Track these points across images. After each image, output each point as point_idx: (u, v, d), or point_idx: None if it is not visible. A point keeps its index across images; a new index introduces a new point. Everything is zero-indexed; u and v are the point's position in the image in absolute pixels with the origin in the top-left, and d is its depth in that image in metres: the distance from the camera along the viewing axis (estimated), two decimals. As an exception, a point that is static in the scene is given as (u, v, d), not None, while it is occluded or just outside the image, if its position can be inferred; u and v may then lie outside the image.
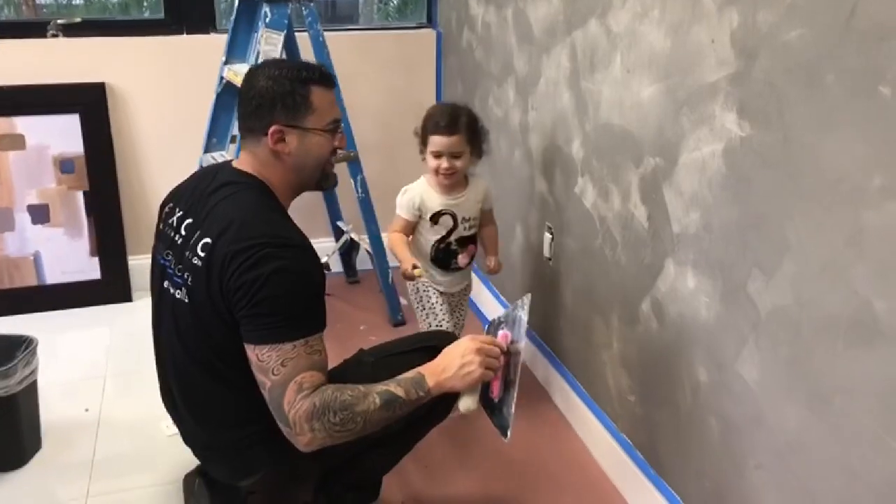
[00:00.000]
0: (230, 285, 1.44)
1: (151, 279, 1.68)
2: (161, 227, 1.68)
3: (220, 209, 1.53)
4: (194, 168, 2.70)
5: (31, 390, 2.07)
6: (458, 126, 2.04)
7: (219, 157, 2.71)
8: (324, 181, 1.67)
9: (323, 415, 1.40)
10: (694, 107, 1.55)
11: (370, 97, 3.05)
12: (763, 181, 1.39)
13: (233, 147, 2.67)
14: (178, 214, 1.62)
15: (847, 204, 1.21)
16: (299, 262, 1.47)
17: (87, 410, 2.30)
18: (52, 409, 2.21)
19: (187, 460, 1.77)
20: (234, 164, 1.63)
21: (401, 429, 1.60)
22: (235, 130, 2.03)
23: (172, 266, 1.57)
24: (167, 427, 2.20)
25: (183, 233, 1.58)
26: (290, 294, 1.43)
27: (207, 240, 1.49)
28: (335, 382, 1.46)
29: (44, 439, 2.14)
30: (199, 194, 1.60)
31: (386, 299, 2.80)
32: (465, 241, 2.18)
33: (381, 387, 1.47)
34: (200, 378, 1.58)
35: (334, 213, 3.07)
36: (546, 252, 2.29)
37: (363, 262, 3.07)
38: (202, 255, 1.49)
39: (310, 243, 1.53)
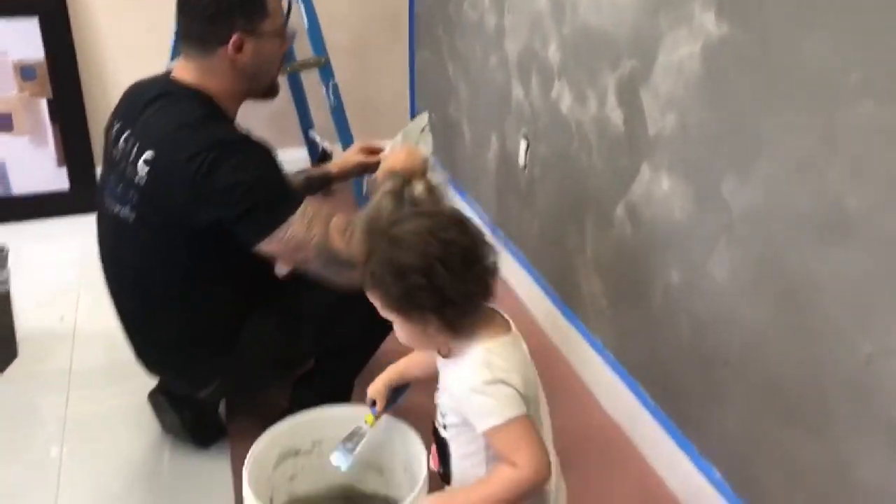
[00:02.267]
0: (192, 199, 1.40)
1: (97, 201, 1.63)
2: (106, 147, 1.61)
3: (158, 121, 1.47)
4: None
5: (4, 299, 2.06)
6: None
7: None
8: (271, 90, 1.62)
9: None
10: (672, 6, 1.53)
11: (340, 2, 2.97)
12: (741, 81, 1.39)
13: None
14: (117, 127, 1.56)
15: (823, 102, 1.21)
16: (251, 148, 1.45)
17: (62, 319, 2.30)
18: (27, 318, 2.21)
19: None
20: (173, 74, 1.55)
21: (363, 328, 1.56)
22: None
23: (115, 184, 1.52)
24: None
25: (122, 146, 1.51)
26: (263, 175, 1.43)
27: (149, 154, 1.43)
28: None
29: (20, 348, 2.14)
30: (135, 107, 1.53)
31: (359, 209, 2.79)
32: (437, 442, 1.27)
33: None
34: (147, 298, 1.57)
35: (306, 124, 3.02)
36: (521, 160, 2.28)
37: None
38: (146, 169, 1.44)
39: (245, 135, 1.48)
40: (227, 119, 1.54)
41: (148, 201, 1.45)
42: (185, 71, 1.53)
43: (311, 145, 3.03)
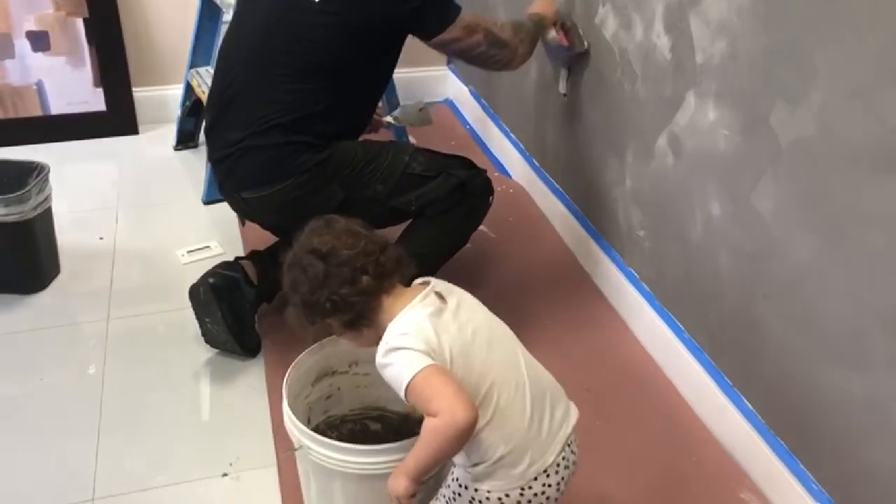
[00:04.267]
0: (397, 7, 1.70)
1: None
2: None
3: None
4: (197, -3, 2.61)
5: (47, 216, 2.09)
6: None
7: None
8: None
9: (517, 30, 1.88)
10: (729, -75, 1.47)
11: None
12: (795, 4, 1.33)
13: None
14: None
15: (885, 25, 1.16)
16: None
17: (101, 239, 2.33)
18: (67, 237, 2.24)
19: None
20: None
21: (431, 244, 1.81)
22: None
23: None
24: (182, 255, 2.25)
25: None
26: None
27: None
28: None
29: (61, 265, 2.19)
30: None
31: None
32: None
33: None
34: (293, 75, 1.70)
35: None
36: (562, 87, 2.24)
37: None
38: None
39: None
40: None
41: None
42: None
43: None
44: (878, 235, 1.23)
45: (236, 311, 1.82)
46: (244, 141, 1.73)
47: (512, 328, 1.21)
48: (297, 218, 1.80)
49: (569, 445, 1.15)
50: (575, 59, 2.11)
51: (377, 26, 1.72)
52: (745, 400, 1.61)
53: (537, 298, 2.10)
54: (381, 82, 1.90)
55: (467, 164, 1.91)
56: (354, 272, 1.14)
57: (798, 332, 1.44)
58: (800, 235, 1.41)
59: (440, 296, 1.15)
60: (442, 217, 1.82)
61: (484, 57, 1.85)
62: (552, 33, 2.02)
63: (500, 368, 1.12)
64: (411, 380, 1.04)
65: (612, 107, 1.99)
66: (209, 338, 1.85)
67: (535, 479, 1.11)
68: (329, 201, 1.74)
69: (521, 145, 2.61)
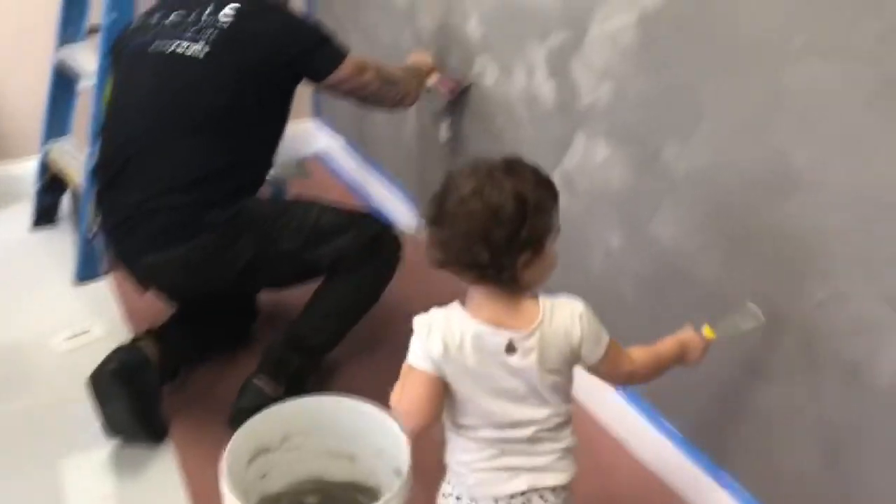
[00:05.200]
0: (282, 32, 1.73)
1: (116, 51, 1.85)
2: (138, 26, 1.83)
3: None
4: (47, 67, 2.45)
5: None
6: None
7: (78, 50, 2.45)
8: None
9: (399, 67, 1.96)
10: (604, -23, 1.57)
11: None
12: (679, 49, 1.44)
13: (92, 37, 2.40)
14: (159, 14, 1.78)
15: (766, 65, 1.28)
16: (298, 14, 1.88)
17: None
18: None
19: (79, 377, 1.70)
20: None
21: (343, 302, 1.80)
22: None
23: (173, 30, 1.72)
24: (60, 343, 2.08)
25: (176, 16, 1.75)
26: (318, 26, 1.82)
27: (234, 5, 1.71)
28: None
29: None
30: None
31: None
32: None
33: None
34: (189, 130, 1.67)
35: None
36: (443, 133, 2.28)
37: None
38: (232, 14, 1.71)
39: None
40: None
41: (229, 38, 1.69)
42: None
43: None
44: (777, 255, 1.34)
45: (141, 396, 1.70)
46: (147, 202, 1.66)
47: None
48: (204, 280, 1.75)
49: None
50: (459, 98, 2.14)
51: (267, 73, 1.72)
52: (665, 420, 1.69)
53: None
54: (279, 132, 1.88)
55: (377, 218, 1.91)
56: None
57: (712, 348, 1.53)
58: (703, 259, 1.50)
59: (510, 347, 1.08)
60: (355, 273, 1.79)
61: (378, 95, 1.89)
62: (432, 80, 2.08)
63: (491, 408, 1.11)
64: (407, 360, 1.12)
65: (498, 150, 2.04)
66: (111, 427, 1.72)
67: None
68: (238, 259, 1.69)
69: (407, 193, 2.63)
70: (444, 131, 2.28)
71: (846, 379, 1.27)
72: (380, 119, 2.71)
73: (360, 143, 2.93)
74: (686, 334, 1.26)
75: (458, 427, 1.15)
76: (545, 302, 1.11)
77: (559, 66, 1.75)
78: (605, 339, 1.13)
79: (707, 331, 1.28)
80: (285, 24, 1.77)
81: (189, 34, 1.71)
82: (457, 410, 1.13)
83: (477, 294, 1.10)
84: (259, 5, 1.78)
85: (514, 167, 1.06)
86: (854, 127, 1.17)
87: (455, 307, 1.12)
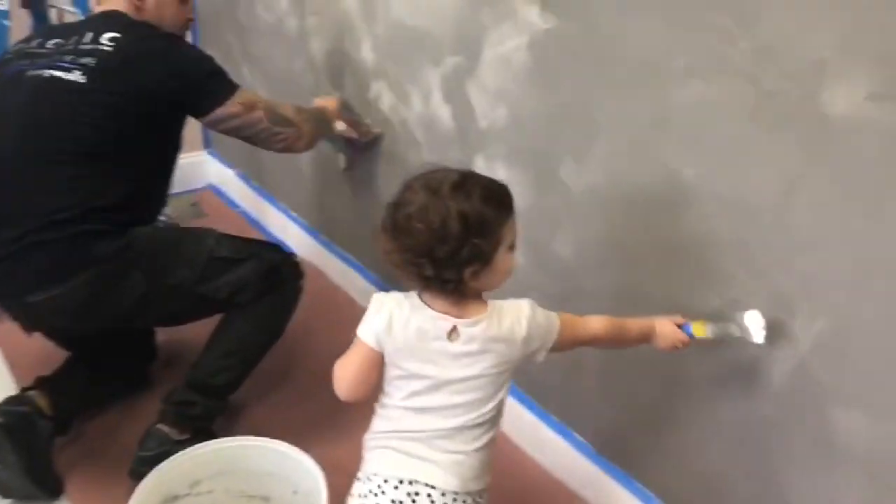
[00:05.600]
0: (165, 63, 1.64)
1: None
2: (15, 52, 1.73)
3: (111, 20, 1.69)
4: None
5: None
6: None
7: None
8: (181, 32, 1.84)
9: (299, 109, 1.85)
10: (493, 3, 1.60)
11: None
12: (570, 71, 1.48)
13: None
14: (37, 42, 1.70)
15: (653, 85, 1.33)
16: (188, 44, 1.82)
17: None
18: None
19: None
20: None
21: (241, 341, 1.74)
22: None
23: (47, 57, 1.63)
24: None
25: (54, 43, 1.67)
26: (208, 59, 1.73)
27: (111, 34, 1.63)
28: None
29: None
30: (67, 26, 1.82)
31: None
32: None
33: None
34: (71, 161, 1.57)
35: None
36: (341, 163, 2.27)
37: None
38: (111, 43, 1.62)
39: None
40: None
41: (107, 67, 1.60)
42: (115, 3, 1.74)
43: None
44: (672, 267, 1.39)
45: (32, 451, 1.60)
46: (25, 238, 1.53)
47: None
48: (93, 318, 1.65)
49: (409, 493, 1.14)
50: (365, 146, 2.11)
51: (148, 104, 1.63)
52: (575, 433, 1.72)
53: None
54: (169, 164, 1.80)
55: (275, 248, 1.86)
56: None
57: (615, 359, 1.57)
58: (602, 273, 1.54)
59: (454, 332, 1.12)
60: (255, 307, 1.72)
61: (267, 134, 1.78)
62: (339, 126, 2.02)
63: (413, 402, 1.16)
64: (357, 330, 1.17)
65: (398, 175, 2.04)
66: (0, 488, 1.60)
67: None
68: (130, 295, 1.60)
69: (305, 222, 2.59)
70: (342, 159, 2.26)
71: (745, 382, 1.33)
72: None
73: (254, 174, 2.87)
74: (660, 323, 1.30)
75: (383, 403, 1.20)
76: (493, 304, 1.16)
77: (454, 91, 1.77)
78: (556, 324, 1.20)
79: (698, 328, 1.29)
80: (168, 54, 1.67)
81: (67, 61, 1.62)
82: (385, 387, 1.19)
83: (427, 293, 1.15)
84: (141, 32, 1.69)
85: (463, 184, 1.09)
86: (738, 140, 1.23)
87: (413, 294, 1.16)
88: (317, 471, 1.32)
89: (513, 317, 1.15)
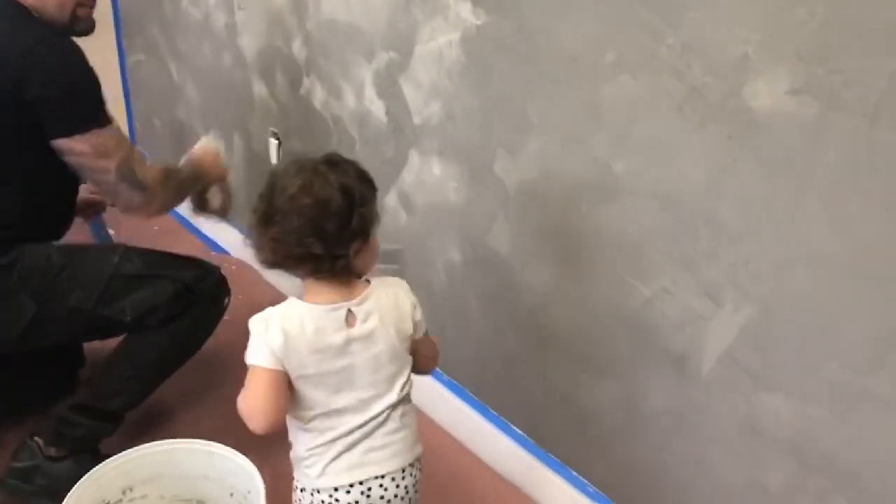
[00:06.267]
0: (25, 73, 1.41)
1: None
2: None
3: None
4: None
5: None
6: None
7: None
8: (73, 23, 1.58)
9: (167, 175, 1.61)
10: (425, -2, 1.60)
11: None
12: (502, 66, 1.49)
13: None
14: None
15: (584, 80, 1.35)
16: (78, 48, 1.49)
17: None
18: None
19: None
20: None
21: (145, 364, 1.61)
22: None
23: None
24: None
25: None
26: (92, 74, 1.50)
27: None
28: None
29: None
30: None
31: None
32: None
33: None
34: None
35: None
36: (273, 159, 2.23)
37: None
38: None
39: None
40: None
41: None
42: None
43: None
44: (604, 256, 1.42)
45: None
46: None
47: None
48: None
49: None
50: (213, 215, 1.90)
51: (15, 110, 1.44)
52: (513, 425, 1.73)
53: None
54: (66, 178, 1.60)
55: (195, 263, 1.70)
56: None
57: (550, 351, 1.59)
58: (538, 266, 1.56)
59: (350, 315, 1.14)
60: (164, 329, 1.59)
61: (110, 190, 1.56)
62: (213, 199, 1.83)
63: (334, 404, 1.15)
64: (247, 360, 1.13)
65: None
66: None
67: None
68: (17, 319, 1.50)
69: (236, 221, 2.54)
70: (273, 156, 2.23)
71: (674, 370, 1.36)
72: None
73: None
74: None
75: (300, 420, 1.17)
76: (375, 280, 1.20)
77: (387, 86, 1.76)
78: (421, 314, 1.23)
79: None
80: (37, 50, 1.43)
81: None
82: (297, 403, 1.16)
83: (311, 285, 1.15)
84: (17, 24, 1.47)
85: (336, 163, 1.13)
86: (666, 134, 1.26)
87: (291, 300, 1.15)
88: (253, 471, 1.29)
89: (396, 285, 1.21)
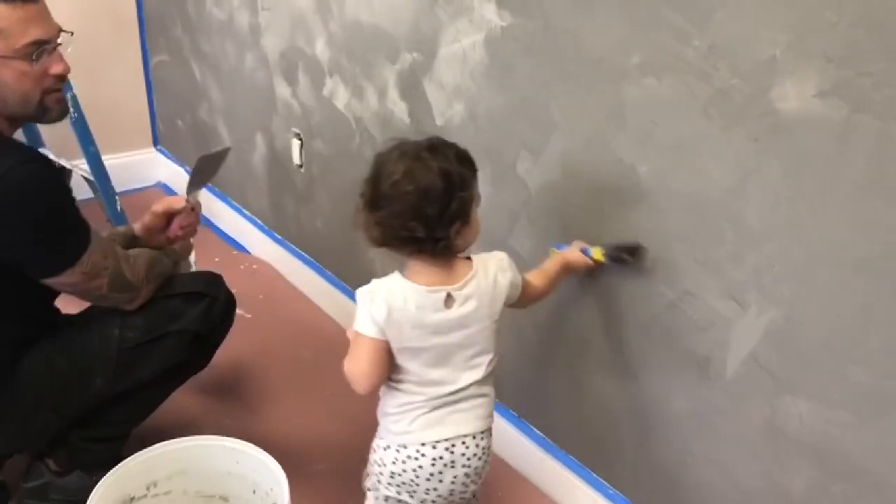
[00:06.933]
0: None
1: None
2: None
3: None
4: None
5: None
6: None
7: None
8: (42, 114, 1.40)
9: (151, 267, 1.52)
10: (450, 0, 1.60)
11: (59, 8, 2.67)
12: (526, 67, 1.50)
13: None
14: None
15: (608, 81, 1.35)
16: (37, 171, 1.32)
17: None
18: None
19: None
20: None
21: (149, 382, 1.57)
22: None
23: None
24: None
25: None
26: (57, 205, 1.34)
27: None
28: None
29: None
30: None
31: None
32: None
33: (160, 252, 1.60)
34: None
35: (35, 142, 2.69)
36: (296, 159, 2.25)
37: (78, 191, 2.76)
38: None
39: (29, 153, 1.35)
40: (3, 137, 1.36)
41: None
42: None
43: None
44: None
45: None
46: None
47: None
48: (12, 450, 1.57)
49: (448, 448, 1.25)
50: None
51: None
52: (532, 426, 1.74)
53: (307, 370, 2.07)
54: (30, 292, 1.43)
55: (198, 294, 1.60)
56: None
57: (571, 352, 1.60)
58: (560, 268, 1.56)
59: (449, 299, 1.21)
60: (176, 372, 1.61)
61: (98, 298, 1.48)
62: (190, 261, 1.81)
63: (428, 375, 1.24)
64: (354, 327, 1.22)
65: (355, 173, 2.04)
66: None
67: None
68: (44, 432, 1.53)
69: (259, 220, 2.57)
70: (296, 157, 2.25)
71: (697, 373, 1.36)
72: (226, 145, 2.64)
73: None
74: (569, 252, 1.44)
75: (393, 381, 1.26)
76: (476, 258, 1.26)
77: (411, 88, 1.77)
78: (519, 278, 1.31)
79: (597, 252, 1.42)
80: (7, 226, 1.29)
81: None
82: (394, 369, 1.24)
83: (414, 264, 1.22)
84: None
85: (437, 147, 1.19)
86: (691, 136, 1.26)
87: (395, 275, 1.23)
88: (277, 467, 1.30)
89: (496, 265, 1.27)
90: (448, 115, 1.70)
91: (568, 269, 1.43)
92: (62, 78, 1.40)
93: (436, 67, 1.69)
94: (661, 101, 1.28)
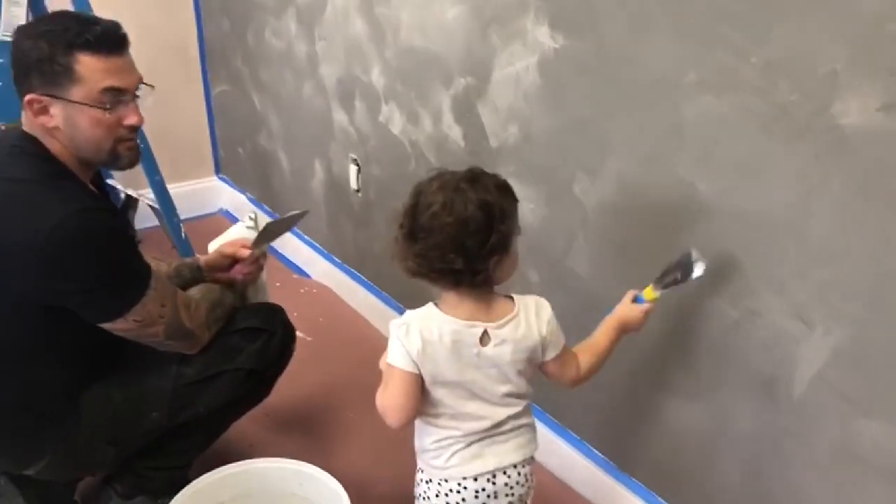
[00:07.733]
0: (36, 275, 1.30)
1: None
2: None
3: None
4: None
5: None
6: None
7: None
8: (114, 161, 1.43)
9: (213, 311, 1.54)
10: (503, 23, 1.62)
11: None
12: (580, 88, 1.50)
13: None
14: None
15: (665, 101, 1.35)
16: (100, 221, 1.35)
17: None
18: None
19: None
20: (24, 127, 1.41)
21: (209, 414, 1.58)
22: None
23: None
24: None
25: None
26: (116, 254, 1.36)
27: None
28: None
29: None
30: None
31: (181, 256, 2.64)
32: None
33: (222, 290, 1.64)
34: None
35: (103, 173, 2.79)
36: (353, 184, 2.29)
37: (144, 219, 2.85)
38: None
39: (91, 201, 1.37)
40: (74, 180, 1.39)
41: None
42: (27, 125, 1.40)
43: (112, 194, 2.81)
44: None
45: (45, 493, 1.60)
46: None
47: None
48: (72, 478, 1.62)
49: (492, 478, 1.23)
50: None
51: (35, 303, 1.37)
52: (593, 447, 1.72)
53: (368, 393, 2.08)
54: (97, 333, 1.43)
55: (256, 329, 1.60)
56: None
57: (633, 373, 1.58)
58: (619, 287, 1.55)
59: (485, 336, 1.17)
60: (235, 405, 1.63)
61: (155, 344, 1.47)
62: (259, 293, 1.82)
63: (463, 408, 1.20)
64: (387, 360, 1.19)
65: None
66: None
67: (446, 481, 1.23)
68: (102, 461, 1.56)
69: (318, 245, 2.61)
70: (354, 182, 2.28)
71: (763, 393, 1.33)
72: (285, 171, 2.70)
73: (266, 198, 2.90)
74: (621, 312, 1.35)
75: (428, 416, 1.22)
76: (518, 299, 1.22)
77: (465, 111, 1.79)
78: (562, 341, 1.25)
79: (648, 292, 1.34)
80: (46, 263, 1.29)
81: None
82: (428, 402, 1.21)
83: (451, 297, 1.18)
84: (27, 190, 1.35)
85: (477, 178, 1.15)
86: (751, 153, 1.24)
87: (431, 307, 1.20)
88: (341, 491, 1.32)
89: (535, 310, 1.22)
90: (502, 137, 1.71)
91: (625, 330, 1.34)
92: (135, 129, 1.42)
93: (490, 91, 1.70)
94: (720, 118, 1.27)
